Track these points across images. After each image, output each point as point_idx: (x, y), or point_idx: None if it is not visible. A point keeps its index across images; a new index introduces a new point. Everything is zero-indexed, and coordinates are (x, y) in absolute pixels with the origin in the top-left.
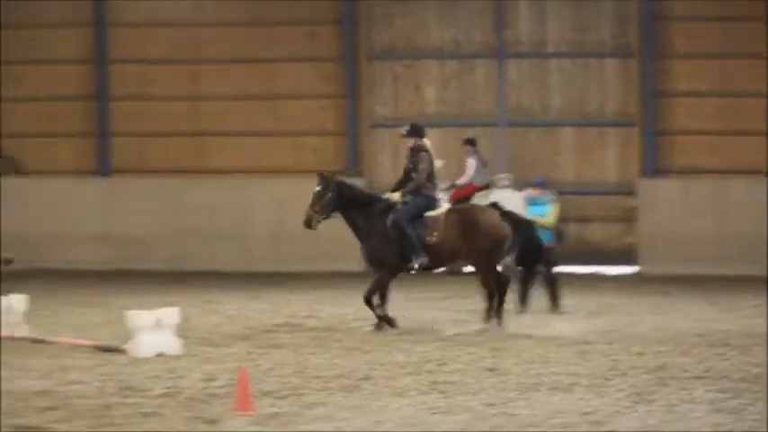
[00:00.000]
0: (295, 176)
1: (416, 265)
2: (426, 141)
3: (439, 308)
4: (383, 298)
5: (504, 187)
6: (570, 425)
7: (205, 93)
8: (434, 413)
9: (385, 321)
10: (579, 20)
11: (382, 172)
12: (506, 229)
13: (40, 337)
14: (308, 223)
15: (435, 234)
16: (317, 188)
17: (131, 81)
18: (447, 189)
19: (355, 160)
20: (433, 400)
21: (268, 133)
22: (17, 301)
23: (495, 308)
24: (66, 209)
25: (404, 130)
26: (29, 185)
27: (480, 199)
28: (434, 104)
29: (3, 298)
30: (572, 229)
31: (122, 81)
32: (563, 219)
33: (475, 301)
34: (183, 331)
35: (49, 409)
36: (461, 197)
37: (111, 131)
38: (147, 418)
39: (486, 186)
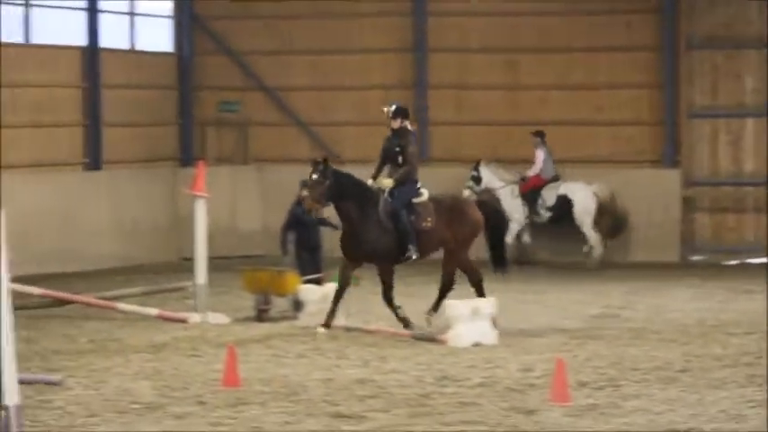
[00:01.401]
0: (610, 166)
1: (414, 256)
2: (409, 124)
3: (758, 300)
4: (389, 293)
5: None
6: None
7: (523, 82)
8: (752, 406)
9: (402, 317)
10: None
11: (700, 162)
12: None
13: (356, 326)
14: (310, 212)
15: (429, 220)
16: (314, 176)
17: (450, 70)
18: (518, 181)
19: (672, 151)
20: (750, 393)
21: (584, 122)
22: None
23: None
24: None
25: (389, 110)
26: None
27: (550, 191)
28: (754, 94)
29: (319, 287)
30: None
31: (441, 70)
32: None
33: None
34: (499, 321)
35: (367, 397)
36: (531, 188)
37: (429, 120)
38: (465, 408)
39: (555, 179)
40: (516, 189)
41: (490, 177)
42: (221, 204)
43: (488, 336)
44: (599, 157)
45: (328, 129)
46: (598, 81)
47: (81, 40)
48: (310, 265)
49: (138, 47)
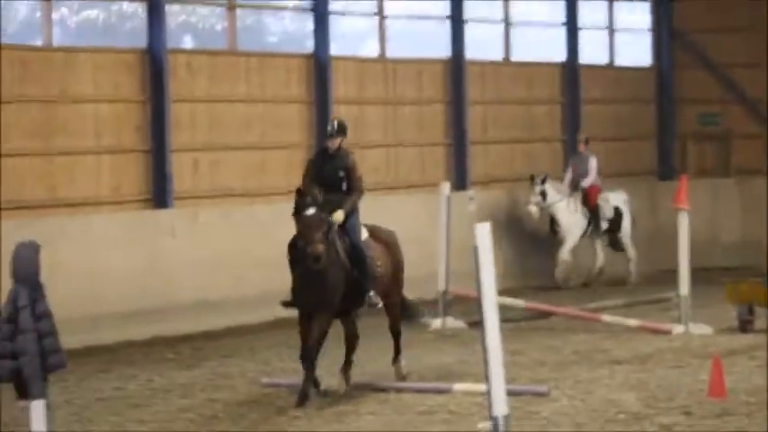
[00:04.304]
0: None
1: (378, 303)
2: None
3: None
4: (315, 353)
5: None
6: None
7: None
8: None
9: (310, 384)
10: None
11: None
12: None
13: None
14: (320, 259)
15: (380, 264)
16: (312, 210)
17: None
18: (576, 191)
19: None
20: None
21: None
22: None
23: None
24: None
25: (332, 127)
26: None
27: (604, 202)
28: None
29: None
30: None
31: None
32: None
33: None
34: None
35: None
36: (594, 199)
37: None
38: None
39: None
40: (573, 203)
41: (552, 193)
42: (701, 217)
43: None
44: None
45: None
46: None
47: (560, 56)
48: None
49: (617, 62)
